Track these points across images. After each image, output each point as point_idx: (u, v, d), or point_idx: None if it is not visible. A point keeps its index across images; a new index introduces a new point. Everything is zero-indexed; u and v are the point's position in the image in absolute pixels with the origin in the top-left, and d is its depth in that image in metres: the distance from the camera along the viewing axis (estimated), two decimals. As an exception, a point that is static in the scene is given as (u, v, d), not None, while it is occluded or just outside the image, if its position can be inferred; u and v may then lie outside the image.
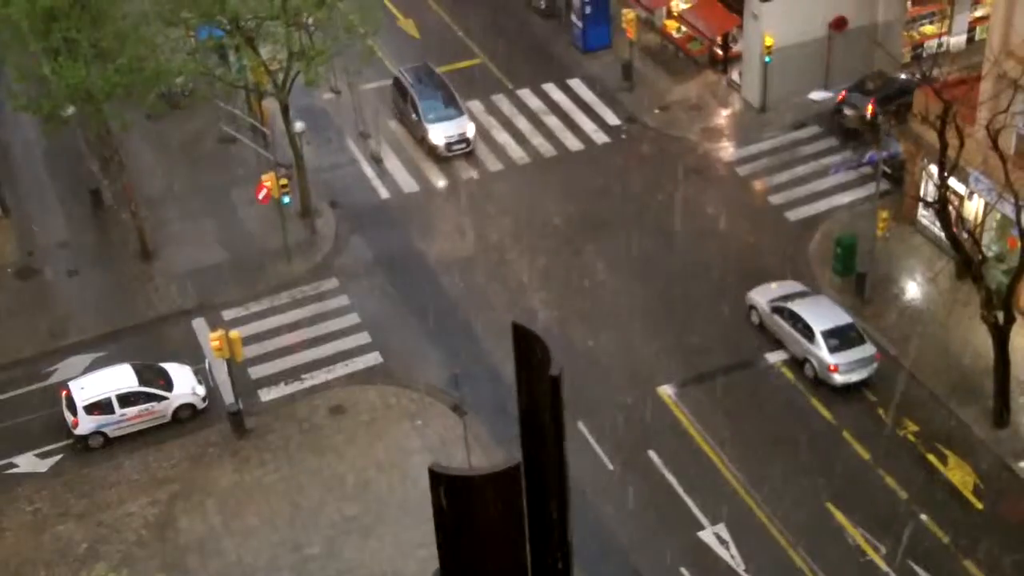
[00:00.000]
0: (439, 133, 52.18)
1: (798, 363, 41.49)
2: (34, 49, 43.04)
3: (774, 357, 42.06)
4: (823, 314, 41.40)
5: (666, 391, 41.20)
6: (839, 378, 40.26)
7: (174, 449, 40.20)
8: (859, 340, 40.67)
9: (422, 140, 52.83)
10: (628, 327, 43.70)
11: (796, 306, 41.78)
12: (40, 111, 45.13)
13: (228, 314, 45.04)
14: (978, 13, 55.75)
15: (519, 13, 62.69)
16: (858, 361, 40.36)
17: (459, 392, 37.20)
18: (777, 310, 42.28)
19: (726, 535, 36.42)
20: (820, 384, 40.78)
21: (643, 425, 40.00)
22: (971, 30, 56.01)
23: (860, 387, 40.56)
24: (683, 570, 35.50)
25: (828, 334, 40.50)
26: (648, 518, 37.05)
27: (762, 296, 43.07)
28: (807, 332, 40.93)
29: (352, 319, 44.83)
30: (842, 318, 41.28)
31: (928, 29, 55.65)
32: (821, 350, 40.39)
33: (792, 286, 43.57)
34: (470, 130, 52.59)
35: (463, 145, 52.39)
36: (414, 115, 53.02)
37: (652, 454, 38.97)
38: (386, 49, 58.55)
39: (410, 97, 53.41)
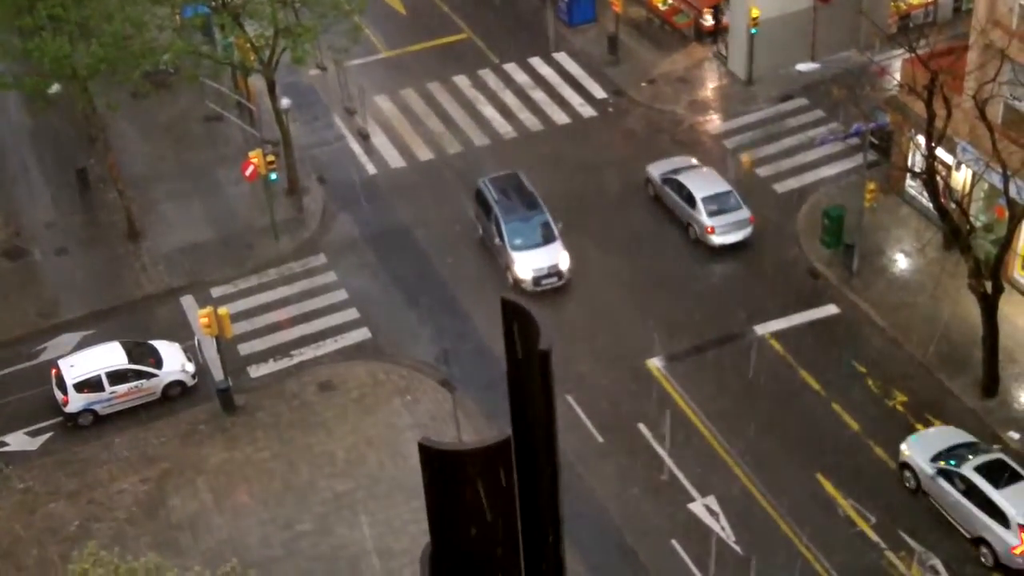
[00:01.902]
0: (526, 264, 43.74)
1: (683, 227, 45.98)
2: (20, 24, 42.85)
3: (762, 329, 42.14)
4: (705, 183, 46.10)
5: (655, 364, 41.27)
6: (716, 239, 44.86)
7: (164, 427, 40.21)
8: (736, 206, 45.05)
9: (506, 269, 44.44)
10: (616, 301, 43.74)
11: (682, 177, 46.49)
12: (23, 89, 44.96)
13: (216, 291, 45.00)
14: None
15: (505, -13, 62.54)
16: (733, 223, 44.85)
17: (448, 367, 37.23)
18: (667, 181, 46.91)
19: (716, 507, 36.55)
20: (713, 251, 45.02)
21: (632, 398, 40.09)
22: (957, 0, 55.92)
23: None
24: (674, 542, 35.63)
25: (707, 200, 45.15)
26: (638, 491, 37.16)
27: (656, 170, 47.76)
28: (690, 199, 45.56)
29: (340, 295, 44.82)
30: (721, 186, 45.81)
31: None
32: (701, 214, 45.00)
33: (683, 161, 48.37)
34: (563, 261, 43.97)
35: (554, 279, 43.88)
36: (497, 239, 44.65)
37: (642, 427, 39.06)
38: (372, 26, 58.32)
39: (494, 216, 44.92)
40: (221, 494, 37.87)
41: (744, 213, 45.08)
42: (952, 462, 35.31)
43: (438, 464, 6.20)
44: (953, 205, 37.58)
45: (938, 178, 37.72)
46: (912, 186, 45.71)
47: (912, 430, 38.24)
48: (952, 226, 37.60)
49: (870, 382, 40.12)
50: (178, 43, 45.46)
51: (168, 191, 50.08)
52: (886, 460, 37.55)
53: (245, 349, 42.70)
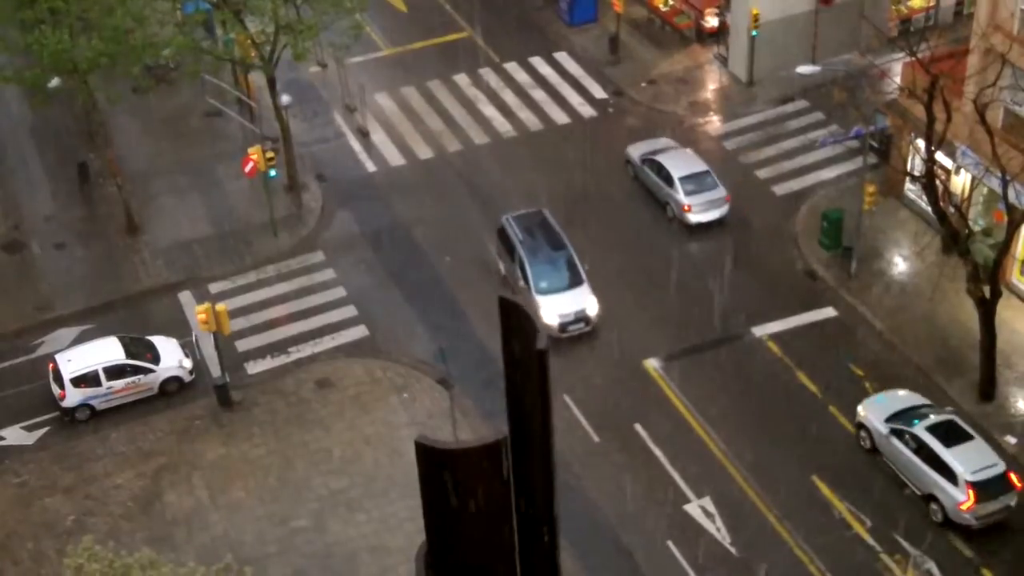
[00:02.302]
0: (553, 309, 41.48)
1: (661, 206, 47.16)
2: (21, 17, 42.85)
3: (760, 331, 42.15)
4: (682, 163, 47.20)
5: (652, 364, 41.28)
6: (692, 217, 46.03)
7: (161, 422, 40.21)
8: (712, 185, 46.27)
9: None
10: (614, 301, 43.71)
11: (661, 157, 47.63)
12: (23, 83, 44.95)
13: (215, 287, 45.00)
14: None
15: (506, -14, 62.52)
16: (710, 202, 46.05)
17: (445, 365, 37.23)
18: (646, 161, 48.08)
19: (712, 508, 36.56)
20: (690, 232, 46.07)
21: (629, 398, 40.09)
22: (959, 4, 55.95)
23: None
24: (669, 543, 35.64)
25: (685, 179, 46.27)
26: (634, 491, 37.16)
27: (636, 151, 49.03)
28: (668, 178, 46.64)
29: (338, 292, 44.81)
30: (699, 166, 47.01)
31: (916, 3, 55.59)
32: (678, 193, 46.10)
33: (665, 142, 49.49)
34: (591, 306, 41.88)
35: (581, 325, 41.84)
36: (521, 280, 42.58)
37: (638, 427, 39.06)
38: (373, 23, 58.32)
39: (518, 256, 42.78)
40: (217, 490, 37.86)
41: (720, 192, 46.31)
42: (905, 422, 36.57)
43: (434, 462, 6.20)
44: (952, 209, 37.58)
45: (937, 182, 37.74)
46: (911, 190, 45.72)
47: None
48: (951, 230, 37.61)
49: (867, 385, 40.09)
50: (179, 38, 45.48)
51: (167, 186, 50.07)
52: (882, 463, 37.54)
53: (243, 345, 42.69)
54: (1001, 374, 39.34)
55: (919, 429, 36.05)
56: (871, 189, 42.98)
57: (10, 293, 45.21)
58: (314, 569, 35.35)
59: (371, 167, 51.07)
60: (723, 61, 55.53)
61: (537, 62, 56.71)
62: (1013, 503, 35.23)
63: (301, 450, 38.97)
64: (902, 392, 38.47)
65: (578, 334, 41.68)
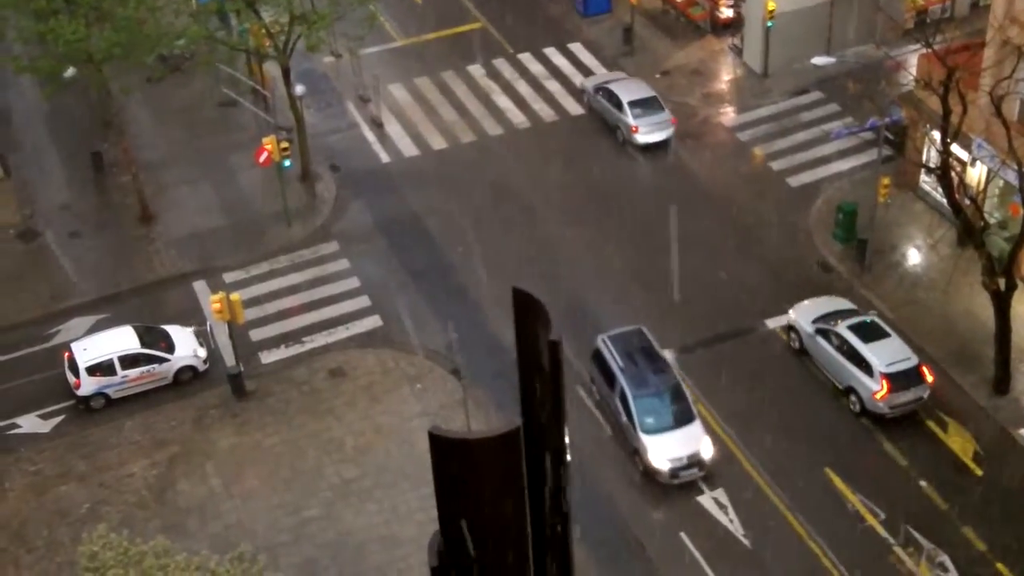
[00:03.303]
0: (661, 452, 36.43)
1: (611, 129, 50.67)
2: (35, 7, 42.95)
3: (774, 323, 42.09)
4: (632, 90, 50.76)
5: (666, 356, 41.18)
6: (640, 138, 49.58)
7: (175, 411, 40.33)
8: (659, 109, 49.79)
9: (635, 455, 37.38)
10: (627, 293, 43.70)
11: (612, 85, 51.13)
12: (38, 72, 45.03)
13: (229, 277, 45.07)
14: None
15: (521, -24, 62.45)
16: (655, 124, 49.57)
17: (458, 356, 37.25)
18: (598, 90, 51.53)
19: (725, 500, 36.54)
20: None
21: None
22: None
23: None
24: (682, 535, 35.63)
25: (633, 104, 49.75)
26: (647, 483, 37.14)
27: (590, 83, 52.54)
28: (618, 104, 50.10)
29: (352, 283, 44.85)
30: (646, 92, 50.53)
31: (932, -6, 55.38)
32: (627, 116, 49.58)
33: (617, 75, 53.02)
34: (705, 447, 36.67)
35: (695, 470, 36.65)
36: (624, 416, 37.41)
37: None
38: (387, 14, 58.31)
39: (619, 387, 37.62)
40: (230, 479, 37.96)
41: (666, 116, 49.75)
42: (829, 323, 39.66)
43: (447, 453, 6.21)
44: (967, 201, 37.47)
45: (952, 174, 37.63)
46: (926, 182, 45.59)
47: (923, 426, 38.27)
48: (966, 223, 37.51)
49: (881, 378, 40.03)
50: (193, 28, 45.53)
51: (181, 176, 50.16)
52: (896, 456, 37.51)
53: (257, 335, 42.77)
54: (1016, 367, 39.25)
55: (841, 328, 39.06)
56: (886, 181, 42.86)
57: (25, 282, 45.34)
58: (325, 558, 35.44)
59: (385, 158, 51.08)
60: (738, 52, 55.41)
61: (551, 53, 56.65)
62: (925, 395, 38.17)
63: (313, 439, 39.05)
64: (829, 298, 41.62)
65: (691, 480, 36.84)
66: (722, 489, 36.80)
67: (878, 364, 37.81)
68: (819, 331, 39.68)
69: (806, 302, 41.19)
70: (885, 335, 38.89)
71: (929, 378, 38.13)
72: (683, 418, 36.97)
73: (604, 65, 55.45)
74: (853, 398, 38.63)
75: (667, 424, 36.79)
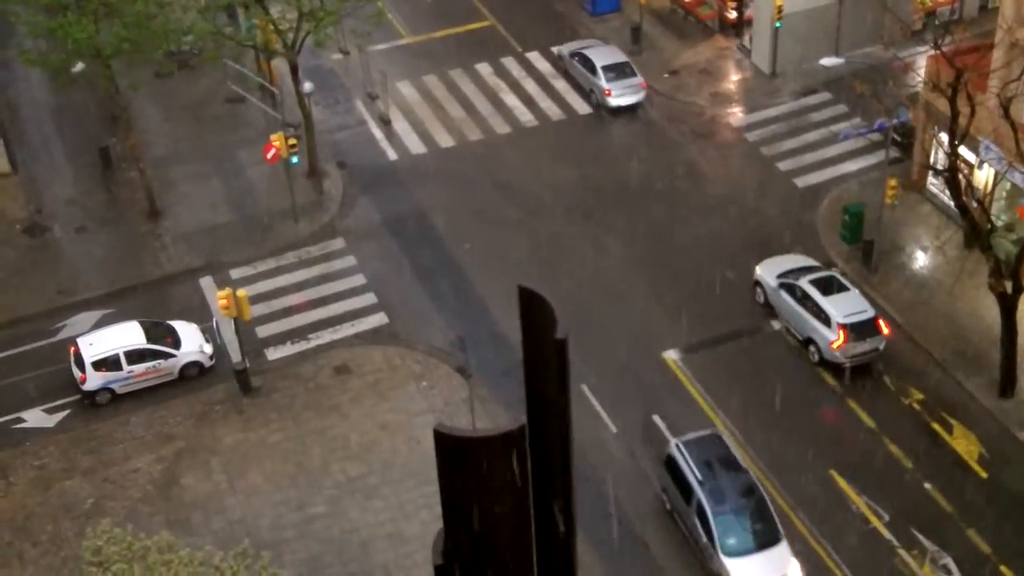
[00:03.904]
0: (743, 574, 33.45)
1: (586, 93, 52.98)
2: (46, 2, 43.01)
3: (780, 324, 42.06)
4: (605, 55, 53.06)
5: (671, 356, 41.24)
6: (612, 100, 51.88)
7: (180, 406, 40.37)
8: (631, 73, 52.26)
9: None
10: (633, 292, 43.70)
11: (587, 51, 53.53)
12: (48, 66, 45.09)
13: (235, 273, 45.11)
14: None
15: (530, -25, 62.42)
16: (628, 87, 51.97)
17: (464, 354, 37.25)
18: (574, 55, 53.84)
19: (729, 500, 36.46)
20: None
21: (647, 390, 40.07)
22: (984, -3, 55.69)
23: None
24: (686, 534, 35.58)
25: (606, 68, 52.25)
26: (651, 482, 37.14)
27: (566, 48, 54.87)
28: (592, 68, 52.52)
29: (358, 280, 44.88)
30: (619, 57, 52.99)
31: (941, -4, 55.33)
32: (600, 80, 52.03)
33: (592, 41, 55.27)
34: (794, 572, 33.50)
35: None
36: (703, 536, 33.79)
37: (656, 419, 39.04)
38: (395, 11, 58.33)
39: (696, 501, 34.15)
40: (235, 475, 38.01)
41: (637, 80, 52.17)
42: (793, 278, 41.74)
43: (452, 450, 6.21)
44: (974, 203, 37.43)
45: (960, 176, 37.57)
46: (934, 183, 45.53)
47: (928, 428, 38.26)
48: (973, 225, 37.47)
49: (886, 379, 40.02)
50: (201, 24, 45.55)
51: (189, 171, 50.20)
52: (901, 458, 37.49)
53: (263, 331, 42.80)
54: (1021, 370, 39.17)
55: (803, 282, 41.23)
56: (893, 183, 42.83)
57: (32, 276, 45.41)
58: (330, 555, 35.47)
59: (392, 155, 51.10)
60: (746, 52, 55.37)
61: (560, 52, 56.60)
62: (881, 347, 40.10)
63: (319, 436, 39.08)
64: (794, 255, 43.80)
65: None
66: (726, 489, 36.73)
67: (836, 315, 39.68)
68: (782, 285, 41.64)
69: (772, 259, 43.23)
70: (844, 289, 40.82)
71: (885, 330, 39.99)
72: (768, 538, 33.60)
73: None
74: (812, 348, 40.44)
75: (751, 546, 33.41)
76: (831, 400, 39.49)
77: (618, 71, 52.12)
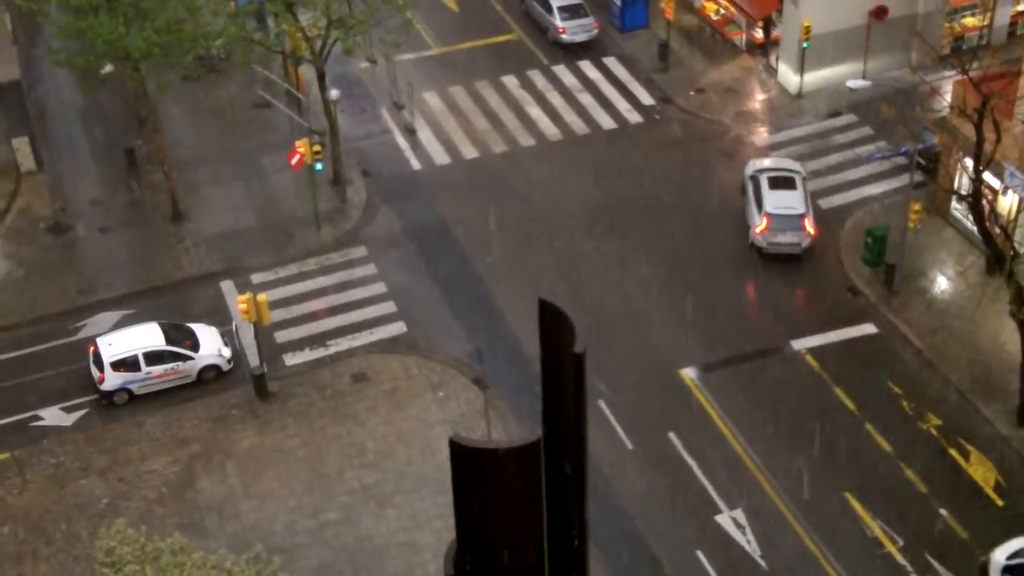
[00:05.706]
0: None
1: (542, 30, 57.71)
2: (76, 3, 43.26)
3: (799, 344, 41.95)
4: None
5: (688, 374, 41.17)
6: (565, 37, 56.85)
7: (197, 409, 40.47)
8: (584, 14, 57.08)
9: None
10: (652, 309, 43.66)
11: None
12: (77, 67, 45.33)
13: (256, 278, 45.23)
14: (1020, 7, 55.31)
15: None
16: (580, 26, 56.87)
17: (482, 365, 37.27)
18: None
19: (743, 520, 36.43)
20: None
21: (664, 407, 40.00)
22: (1012, 24, 55.53)
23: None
24: (699, 553, 35.53)
25: (561, 8, 57.13)
26: (665, 500, 37.09)
27: None
28: (548, 8, 57.39)
29: (378, 288, 44.94)
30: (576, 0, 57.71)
31: (969, 21, 55.21)
32: (555, 18, 56.93)
33: None
34: None
35: None
36: None
37: (672, 436, 38.97)
38: (424, 22, 58.47)
39: None
40: (249, 479, 38.07)
41: (589, 21, 57.07)
42: (758, 175, 46.15)
43: (468, 461, 6.23)
44: (998, 230, 37.29)
45: (984, 202, 37.45)
46: (957, 209, 45.39)
47: (944, 454, 38.08)
48: (996, 251, 37.34)
49: (904, 404, 39.87)
50: (231, 29, 45.73)
51: (213, 175, 50.38)
52: (917, 483, 37.32)
53: (282, 337, 42.89)
54: (1041, 398, 38.98)
55: (762, 176, 46.01)
56: (916, 207, 42.69)
57: (54, 275, 45.62)
58: (342, 562, 35.48)
59: (416, 164, 51.18)
60: (772, 72, 55.33)
61: (585, 66, 56.67)
62: (802, 243, 44.41)
63: (334, 443, 39.12)
64: (784, 159, 48.25)
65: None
66: (741, 509, 36.69)
67: (767, 205, 44.49)
68: (750, 177, 46.37)
69: (764, 159, 48.24)
70: (792, 187, 45.22)
71: (811, 230, 44.34)
72: None
73: (638, 80, 55.47)
74: (749, 233, 45.24)
75: None
76: (846, 421, 39.31)
77: (572, 11, 57.21)
